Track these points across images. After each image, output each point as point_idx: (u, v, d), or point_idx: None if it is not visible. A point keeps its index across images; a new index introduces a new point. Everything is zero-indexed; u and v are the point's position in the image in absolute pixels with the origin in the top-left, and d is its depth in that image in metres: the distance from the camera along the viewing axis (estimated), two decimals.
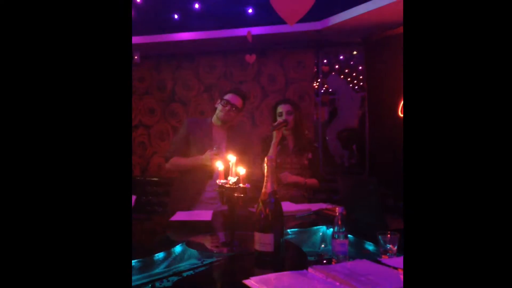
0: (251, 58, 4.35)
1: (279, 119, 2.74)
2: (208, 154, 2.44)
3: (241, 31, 3.92)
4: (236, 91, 2.71)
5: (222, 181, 1.57)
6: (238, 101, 2.63)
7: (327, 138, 4.71)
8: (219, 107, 2.63)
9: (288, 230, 1.70)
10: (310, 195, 2.81)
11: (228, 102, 2.60)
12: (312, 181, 2.72)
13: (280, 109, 2.78)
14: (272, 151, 2.67)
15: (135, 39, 4.31)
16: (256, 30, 3.91)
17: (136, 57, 4.56)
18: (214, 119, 2.67)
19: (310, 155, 2.77)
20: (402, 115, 3.81)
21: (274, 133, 2.69)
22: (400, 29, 3.79)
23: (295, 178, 2.67)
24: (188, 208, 2.37)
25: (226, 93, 2.67)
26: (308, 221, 1.92)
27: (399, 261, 1.24)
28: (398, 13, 3.41)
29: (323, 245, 1.73)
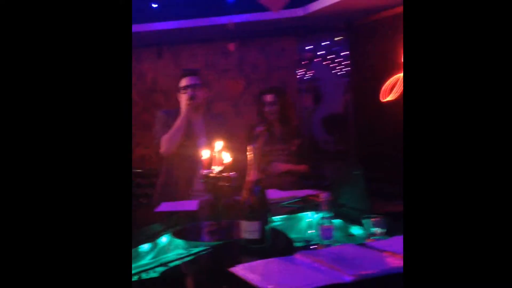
0: (232, 46, 4.31)
1: (265, 109, 2.80)
2: (183, 101, 2.44)
3: (222, 19, 3.88)
4: (186, 73, 2.62)
5: (207, 171, 1.56)
6: (195, 80, 2.54)
7: (311, 124, 4.72)
8: (181, 98, 2.51)
9: (274, 217, 1.70)
10: (300, 181, 2.78)
11: (186, 87, 2.50)
12: (302, 167, 2.72)
13: (265, 98, 2.82)
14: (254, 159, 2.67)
15: None
16: (238, 18, 3.87)
17: None
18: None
19: (298, 141, 2.78)
20: (383, 101, 3.82)
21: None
22: (384, 13, 3.79)
23: (286, 166, 2.68)
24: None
25: (180, 81, 2.58)
26: (294, 208, 1.92)
27: (384, 244, 1.25)
28: None
29: (309, 231, 1.73)
